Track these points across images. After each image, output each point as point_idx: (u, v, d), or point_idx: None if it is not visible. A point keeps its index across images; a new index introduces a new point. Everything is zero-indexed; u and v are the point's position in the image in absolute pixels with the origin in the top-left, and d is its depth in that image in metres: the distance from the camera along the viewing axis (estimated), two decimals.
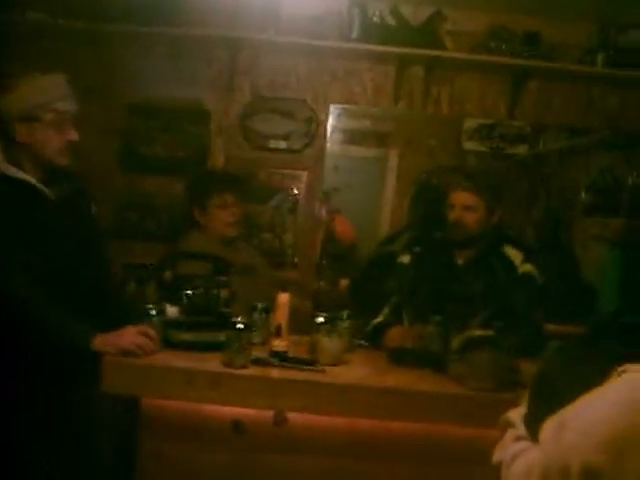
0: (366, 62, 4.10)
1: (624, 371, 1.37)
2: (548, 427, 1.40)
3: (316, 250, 4.42)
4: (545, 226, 4.61)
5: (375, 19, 3.97)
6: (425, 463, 2.36)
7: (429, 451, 2.36)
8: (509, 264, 2.98)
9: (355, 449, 2.41)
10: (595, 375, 1.43)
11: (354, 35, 3.92)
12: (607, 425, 1.29)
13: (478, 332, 2.82)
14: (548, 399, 1.51)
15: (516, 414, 1.64)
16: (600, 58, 4.06)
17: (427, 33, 3.99)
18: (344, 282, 4.38)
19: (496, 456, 1.56)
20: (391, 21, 4.00)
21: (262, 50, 4.08)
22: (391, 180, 4.81)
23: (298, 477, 2.44)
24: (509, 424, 1.63)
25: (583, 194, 4.58)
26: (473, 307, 2.92)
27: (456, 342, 2.75)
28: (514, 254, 3.00)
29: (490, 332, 2.81)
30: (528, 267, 2.97)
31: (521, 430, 1.57)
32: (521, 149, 4.30)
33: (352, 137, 4.70)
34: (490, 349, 2.61)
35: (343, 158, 4.62)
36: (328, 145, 4.26)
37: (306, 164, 4.18)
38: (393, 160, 4.81)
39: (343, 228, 4.70)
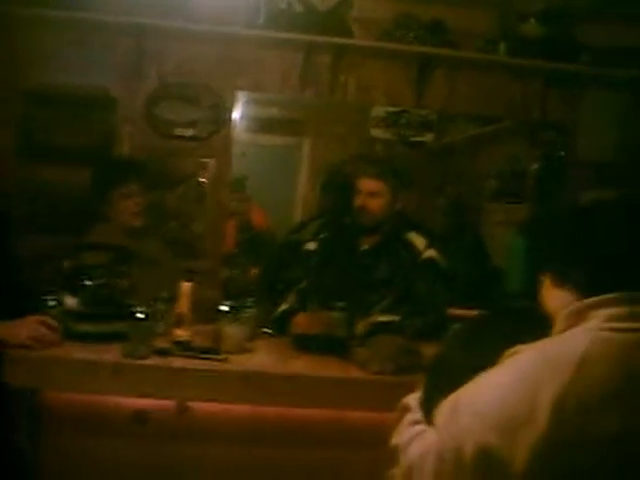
0: (273, 49, 4.06)
1: (516, 352, 1.41)
2: (442, 409, 1.42)
3: (225, 239, 4.39)
4: (454, 212, 4.69)
5: (282, 5, 3.95)
6: (329, 448, 2.37)
7: (333, 436, 2.38)
8: (413, 250, 3.02)
9: (259, 436, 2.41)
10: (489, 357, 1.46)
11: (261, 22, 3.89)
12: (499, 405, 1.31)
13: (383, 317, 2.87)
14: (443, 382, 1.53)
15: (414, 398, 1.66)
16: (502, 47, 4.13)
17: (334, 20, 3.99)
18: (255, 270, 4.37)
19: (393, 440, 1.58)
20: (298, 8, 3.98)
21: (168, 36, 4.00)
22: (304, 168, 4.83)
23: (203, 465, 2.42)
24: (407, 408, 1.65)
25: (490, 181, 4.68)
26: (378, 292, 2.96)
27: (361, 327, 2.80)
28: (418, 240, 3.04)
29: (394, 317, 2.86)
30: (431, 252, 3.02)
31: (418, 414, 1.59)
32: (427, 137, 4.34)
33: (265, 125, 4.68)
34: (392, 333, 2.65)
35: (256, 146, 4.61)
36: (238, 133, 4.23)
37: (213, 152, 4.13)
38: (306, 148, 4.83)
39: (258, 216, 4.69)
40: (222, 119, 4.10)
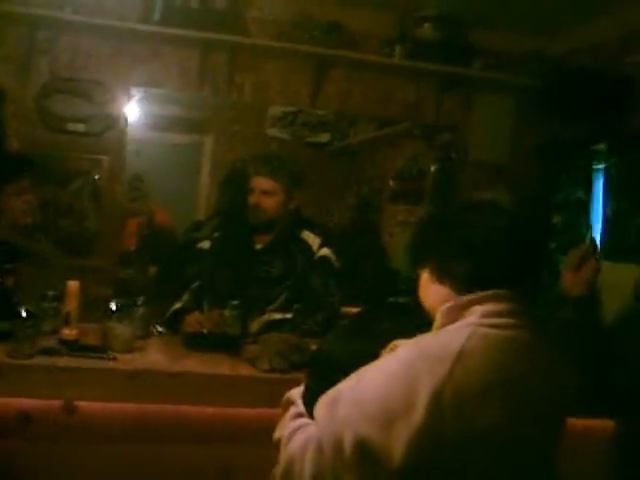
0: (169, 46, 4.03)
1: (395, 346, 1.44)
2: (323, 402, 1.44)
3: (125, 237, 4.33)
4: (357, 213, 4.74)
5: (178, 2, 3.91)
6: (218, 445, 2.36)
7: (222, 433, 2.36)
8: (307, 248, 3.04)
9: (149, 435, 2.37)
10: (370, 351, 1.49)
11: (156, 17, 3.85)
12: (378, 398, 1.34)
13: (276, 315, 2.88)
14: (325, 376, 1.56)
15: (297, 392, 1.68)
16: (398, 50, 4.21)
17: (231, 18, 3.98)
18: (153, 269, 4.32)
19: (276, 434, 1.59)
20: (195, 5, 3.95)
21: (61, 29, 3.91)
22: (206, 167, 4.79)
23: (92, 465, 2.37)
24: (290, 402, 1.66)
25: (390, 182, 4.75)
26: (272, 291, 2.97)
27: (255, 325, 2.81)
28: (312, 239, 3.06)
29: (288, 315, 2.88)
30: (325, 251, 3.04)
31: (301, 407, 1.61)
32: (324, 137, 4.39)
33: (167, 123, 4.63)
34: (285, 331, 2.67)
35: (158, 144, 4.56)
36: (138, 130, 4.18)
37: (107, 148, 4.07)
38: (208, 146, 4.79)
39: (162, 215, 4.63)
40: (116, 115, 4.03)
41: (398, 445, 1.29)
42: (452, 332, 1.40)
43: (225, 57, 4.11)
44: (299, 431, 1.50)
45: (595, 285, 2.25)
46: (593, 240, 2.32)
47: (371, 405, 1.34)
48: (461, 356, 1.32)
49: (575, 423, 2.36)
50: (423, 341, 1.42)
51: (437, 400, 1.29)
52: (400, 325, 1.62)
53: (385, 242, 4.72)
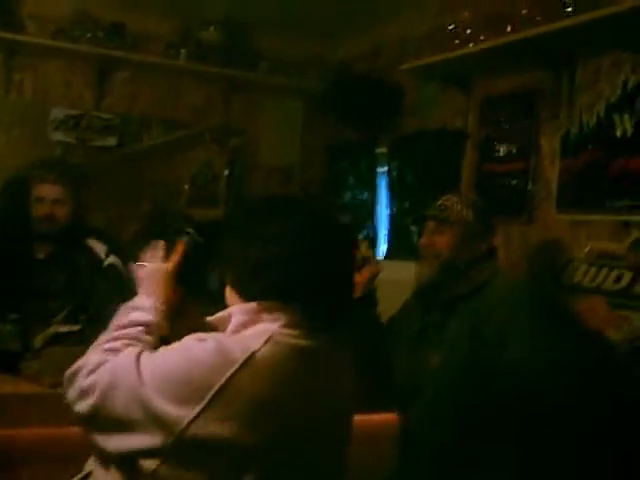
0: None
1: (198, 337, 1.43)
2: (144, 358, 1.43)
3: None
4: (152, 219, 4.64)
5: None
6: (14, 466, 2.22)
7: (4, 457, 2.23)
8: (93, 257, 2.95)
9: None
10: None
11: None
12: (175, 377, 1.34)
13: (63, 328, 2.75)
14: None
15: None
16: (183, 53, 4.18)
17: (5, 14, 3.77)
18: None
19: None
20: None
21: None
22: None
23: None
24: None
25: (186, 186, 4.70)
26: (56, 302, 2.85)
27: (39, 339, 2.66)
28: (98, 247, 2.98)
29: (76, 327, 2.76)
30: (112, 259, 2.97)
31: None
32: (110, 141, 4.26)
33: None
34: (73, 343, 2.56)
35: None
36: None
37: None
38: None
39: None
40: None
41: (183, 421, 1.30)
42: (250, 335, 1.39)
43: (0, 55, 3.90)
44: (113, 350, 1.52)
45: (372, 284, 2.36)
46: (372, 241, 2.42)
47: (166, 381, 1.34)
48: (251, 360, 1.33)
49: (368, 418, 2.46)
50: (224, 337, 1.41)
51: (217, 398, 1.30)
52: None
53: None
